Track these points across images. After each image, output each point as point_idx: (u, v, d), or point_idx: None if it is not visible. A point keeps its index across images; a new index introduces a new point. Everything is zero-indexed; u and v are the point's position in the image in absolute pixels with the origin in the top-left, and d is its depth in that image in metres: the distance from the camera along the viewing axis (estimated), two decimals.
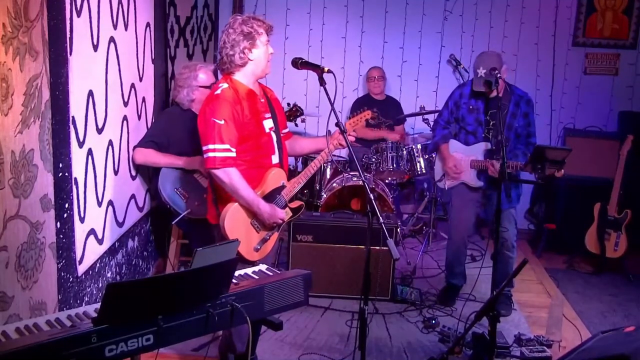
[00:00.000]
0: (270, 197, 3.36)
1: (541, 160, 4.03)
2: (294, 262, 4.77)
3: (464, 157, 4.57)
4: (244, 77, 3.30)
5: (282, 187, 3.44)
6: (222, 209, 3.25)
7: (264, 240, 3.38)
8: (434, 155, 5.90)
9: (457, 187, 4.67)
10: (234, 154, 3.18)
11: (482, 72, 4.33)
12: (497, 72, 4.18)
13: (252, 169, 3.29)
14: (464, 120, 4.58)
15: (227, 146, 3.15)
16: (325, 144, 3.46)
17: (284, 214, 3.40)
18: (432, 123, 6.20)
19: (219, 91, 3.21)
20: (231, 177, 3.16)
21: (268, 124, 3.38)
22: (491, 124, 4.42)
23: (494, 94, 4.36)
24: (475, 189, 4.62)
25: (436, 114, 6.54)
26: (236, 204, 3.25)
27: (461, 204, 4.71)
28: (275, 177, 3.39)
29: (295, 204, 3.56)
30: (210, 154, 3.15)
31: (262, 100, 3.39)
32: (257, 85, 3.39)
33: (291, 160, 5.87)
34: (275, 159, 3.40)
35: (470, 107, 4.52)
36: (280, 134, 3.47)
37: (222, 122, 3.13)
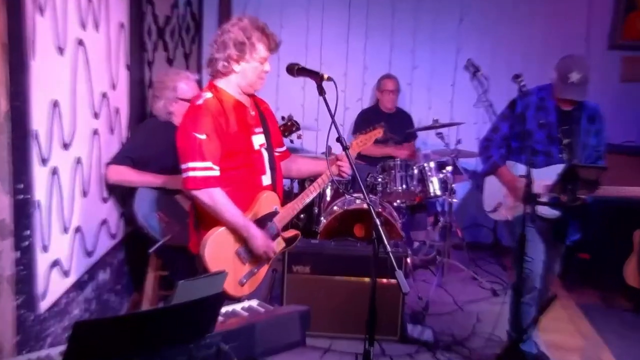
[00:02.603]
0: (260, 224, 3.35)
1: (572, 180, 4.02)
2: (289, 296, 4.75)
3: (534, 182, 4.13)
4: (229, 86, 3.33)
5: (275, 213, 3.43)
6: (205, 235, 3.26)
7: (251, 273, 3.37)
8: (447, 175, 5.94)
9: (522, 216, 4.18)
10: (217, 173, 3.19)
11: (575, 77, 4.15)
12: (520, 79, 4.15)
13: (239, 190, 3.30)
14: (532, 138, 4.30)
15: (208, 164, 3.16)
16: (326, 167, 3.47)
17: (273, 244, 3.39)
18: (446, 137, 6.23)
19: (200, 101, 3.23)
20: (214, 198, 3.17)
21: (258, 139, 3.39)
22: (565, 142, 4.30)
23: (569, 107, 4.25)
24: (545, 219, 4.33)
25: (449, 128, 6.63)
26: (219, 230, 3.24)
27: (533, 238, 4.33)
28: (266, 201, 3.39)
29: (290, 233, 3.56)
30: (190, 173, 3.16)
31: (253, 113, 3.41)
32: (247, 97, 3.41)
33: (286, 181, 5.87)
34: (266, 180, 3.41)
35: (541, 121, 4.32)
36: (273, 151, 3.49)
37: (204, 136, 3.14)
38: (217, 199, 3.17)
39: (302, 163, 3.77)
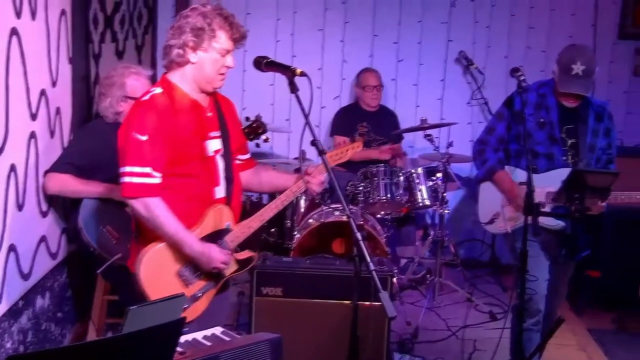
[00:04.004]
0: (209, 242, 3.34)
1: (579, 187, 4.05)
2: (259, 322, 4.72)
3: (535, 189, 4.13)
4: (183, 81, 3.30)
5: (227, 230, 3.42)
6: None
7: (194, 298, 3.33)
8: (438, 182, 5.96)
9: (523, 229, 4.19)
10: (157, 180, 3.18)
11: (579, 68, 4.14)
12: (519, 73, 4.19)
13: (186, 202, 3.29)
14: (531, 139, 4.31)
15: (147, 169, 3.15)
16: (293, 183, 3.49)
17: (228, 256, 3.37)
18: (436, 140, 6.26)
19: (147, 97, 3.23)
20: (151, 209, 3.17)
21: (213, 145, 3.39)
22: (569, 143, 4.36)
23: (573, 104, 4.30)
24: (550, 231, 4.36)
25: (439, 128, 6.66)
26: (158, 246, 3.24)
27: (537, 254, 4.34)
28: (217, 217, 3.38)
29: (244, 254, 3.53)
30: (127, 179, 3.16)
31: (210, 114, 3.40)
32: (205, 95, 3.40)
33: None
34: (219, 192, 3.40)
35: (541, 120, 4.37)
36: (231, 159, 3.48)
37: (145, 137, 3.14)
38: (154, 209, 3.16)
39: (266, 176, 3.76)
